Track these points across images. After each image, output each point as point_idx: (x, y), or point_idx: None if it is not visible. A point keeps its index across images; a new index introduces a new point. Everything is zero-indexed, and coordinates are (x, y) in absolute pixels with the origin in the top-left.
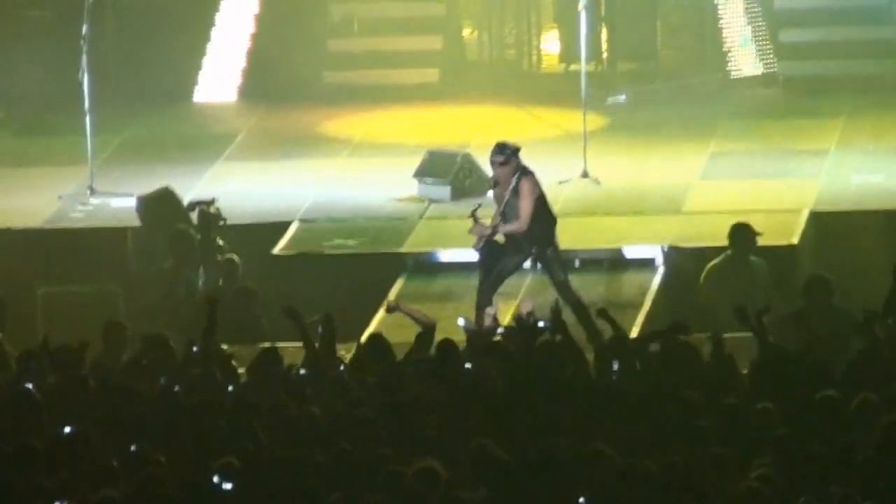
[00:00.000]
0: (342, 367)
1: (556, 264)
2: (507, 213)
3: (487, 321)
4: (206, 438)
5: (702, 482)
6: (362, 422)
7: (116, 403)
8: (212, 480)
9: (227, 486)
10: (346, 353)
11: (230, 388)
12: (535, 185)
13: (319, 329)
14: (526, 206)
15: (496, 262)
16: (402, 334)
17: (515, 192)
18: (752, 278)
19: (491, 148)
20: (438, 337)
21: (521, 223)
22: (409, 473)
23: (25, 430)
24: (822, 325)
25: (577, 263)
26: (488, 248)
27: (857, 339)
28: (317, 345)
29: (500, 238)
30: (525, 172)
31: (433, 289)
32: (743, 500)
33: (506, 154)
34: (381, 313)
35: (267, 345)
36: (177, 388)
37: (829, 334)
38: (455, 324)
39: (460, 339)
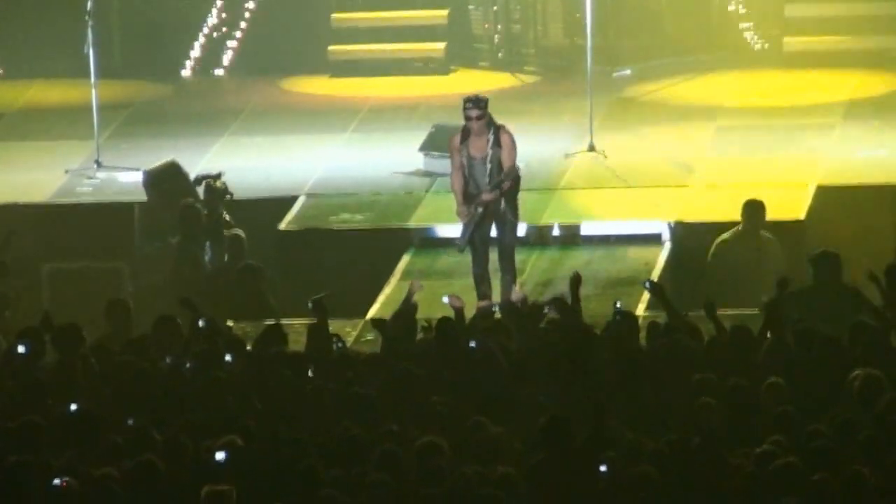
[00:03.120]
0: (340, 345)
1: (513, 230)
2: (491, 168)
3: (486, 302)
4: (209, 416)
5: (707, 459)
6: (364, 399)
7: (120, 381)
8: (213, 457)
9: (220, 455)
10: (351, 329)
11: (234, 365)
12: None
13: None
14: (512, 159)
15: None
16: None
17: (497, 143)
18: (761, 253)
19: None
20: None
21: (511, 173)
22: (412, 450)
23: (30, 407)
24: (831, 302)
25: (582, 238)
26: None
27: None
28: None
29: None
30: (499, 125)
31: (439, 264)
32: (750, 477)
33: (481, 108)
34: (388, 289)
35: (271, 322)
36: (187, 366)
37: (837, 311)
38: (474, 301)
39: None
